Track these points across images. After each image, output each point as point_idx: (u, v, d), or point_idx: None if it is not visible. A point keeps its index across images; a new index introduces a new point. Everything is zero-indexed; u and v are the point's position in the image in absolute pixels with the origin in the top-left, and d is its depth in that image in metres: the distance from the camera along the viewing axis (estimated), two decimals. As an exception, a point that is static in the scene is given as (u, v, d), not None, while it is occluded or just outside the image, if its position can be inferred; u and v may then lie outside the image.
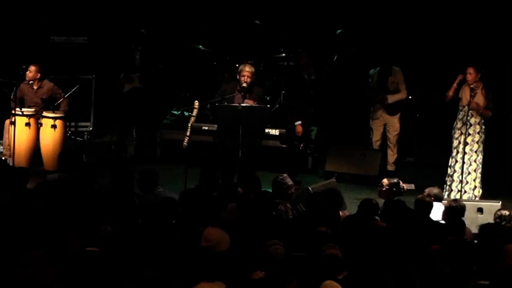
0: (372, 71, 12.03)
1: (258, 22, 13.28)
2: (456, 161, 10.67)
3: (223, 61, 13.39)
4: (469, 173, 10.63)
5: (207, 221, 7.21)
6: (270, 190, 8.56)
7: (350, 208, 9.21)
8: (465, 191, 10.57)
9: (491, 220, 8.21)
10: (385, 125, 12.01)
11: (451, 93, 10.65)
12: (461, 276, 6.45)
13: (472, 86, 10.53)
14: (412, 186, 11.08)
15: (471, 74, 10.49)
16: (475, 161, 10.64)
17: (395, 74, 11.93)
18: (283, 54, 13.11)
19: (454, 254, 6.68)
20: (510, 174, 11.99)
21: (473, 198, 10.53)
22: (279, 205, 8.23)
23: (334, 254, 6.40)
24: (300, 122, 11.65)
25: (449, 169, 10.79)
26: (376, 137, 12.05)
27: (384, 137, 12.05)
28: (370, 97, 12.03)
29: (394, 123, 11.97)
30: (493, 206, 9.07)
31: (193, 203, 7.67)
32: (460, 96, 10.66)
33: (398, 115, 11.97)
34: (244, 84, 10.07)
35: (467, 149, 10.61)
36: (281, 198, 8.45)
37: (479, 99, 10.54)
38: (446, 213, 8.07)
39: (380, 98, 11.85)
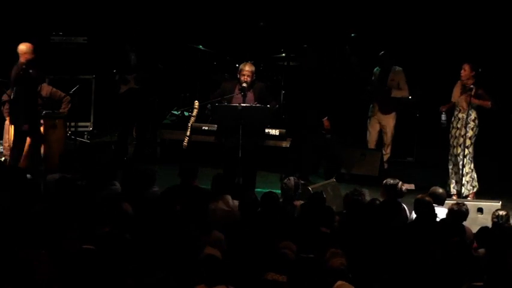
0: (375, 69, 12.05)
1: (262, 24, 13.25)
2: (455, 156, 10.72)
3: (223, 61, 13.37)
4: (463, 166, 10.66)
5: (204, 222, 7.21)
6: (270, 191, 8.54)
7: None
8: (463, 184, 10.61)
9: (491, 220, 8.20)
10: (380, 124, 12.01)
11: (444, 108, 10.82)
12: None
13: (464, 82, 10.65)
14: (412, 186, 11.10)
15: (465, 71, 10.69)
16: (465, 156, 10.64)
17: (397, 73, 11.91)
18: (283, 54, 13.10)
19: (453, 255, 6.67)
20: (510, 174, 11.99)
21: (470, 192, 10.64)
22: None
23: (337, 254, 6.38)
24: (326, 117, 11.53)
25: (449, 163, 10.84)
26: (372, 137, 12.05)
27: (380, 136, 12.05)
28: (369, 92, 12.00)
29: (388, 123, 11.96)
30: (493, 206, 9.07)
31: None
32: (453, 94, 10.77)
33: (393, 114, 11.96)
34: (245, 84, 10.02)
35: (460, 142, 10.65)
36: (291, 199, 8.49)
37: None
38: (448, 215, 8.07)
39: (384, 90, 11.83)
